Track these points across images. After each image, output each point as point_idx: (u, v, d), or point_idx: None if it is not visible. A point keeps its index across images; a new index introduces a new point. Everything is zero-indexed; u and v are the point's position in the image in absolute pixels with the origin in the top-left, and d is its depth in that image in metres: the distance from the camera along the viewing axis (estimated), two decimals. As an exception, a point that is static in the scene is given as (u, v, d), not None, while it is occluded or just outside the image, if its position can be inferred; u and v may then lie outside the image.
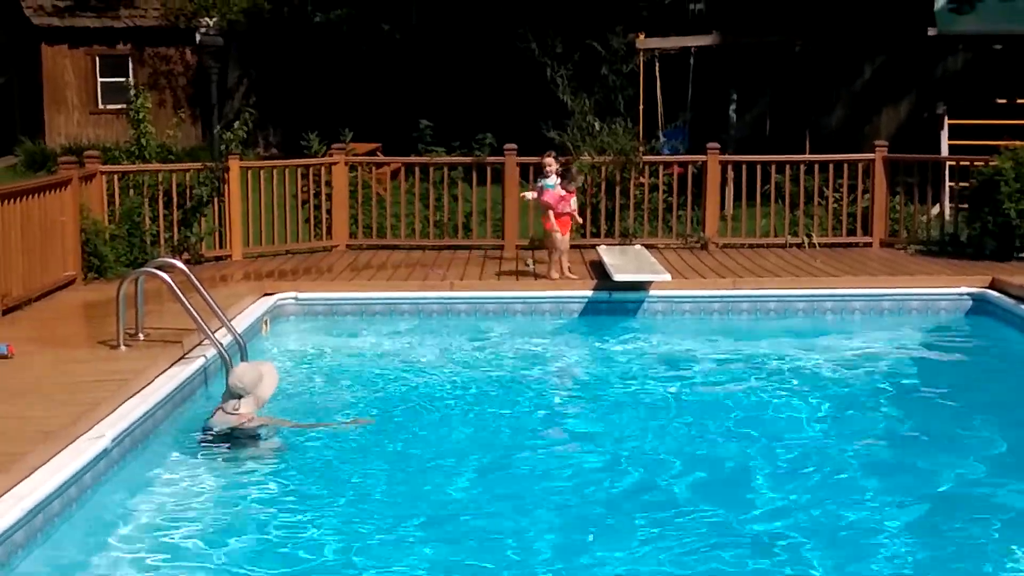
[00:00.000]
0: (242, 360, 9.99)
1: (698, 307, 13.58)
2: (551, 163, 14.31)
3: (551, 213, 14.02)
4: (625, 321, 13.38)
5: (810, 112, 24.80)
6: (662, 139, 20.87)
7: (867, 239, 16.40)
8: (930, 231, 16.30)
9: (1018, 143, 15.36)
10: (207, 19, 30.15)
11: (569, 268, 14.04)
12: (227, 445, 8.83)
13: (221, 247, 15.62)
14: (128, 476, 8.05)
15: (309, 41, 31.58)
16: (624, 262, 14.08)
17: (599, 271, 14.18)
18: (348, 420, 9.60)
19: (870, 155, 16.57)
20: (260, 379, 9.03)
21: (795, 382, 11.09)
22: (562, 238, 14.01)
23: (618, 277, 13.37)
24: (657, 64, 22.34)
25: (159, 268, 10.52)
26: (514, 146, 16.19)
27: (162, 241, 15.05)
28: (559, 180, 14.18)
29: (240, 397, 8.96)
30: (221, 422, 8.96)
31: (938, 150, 21.05)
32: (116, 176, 14.95)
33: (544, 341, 12.78)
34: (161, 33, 32.35)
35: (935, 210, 16.80)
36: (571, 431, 9.71)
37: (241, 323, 11.49)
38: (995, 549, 7.07)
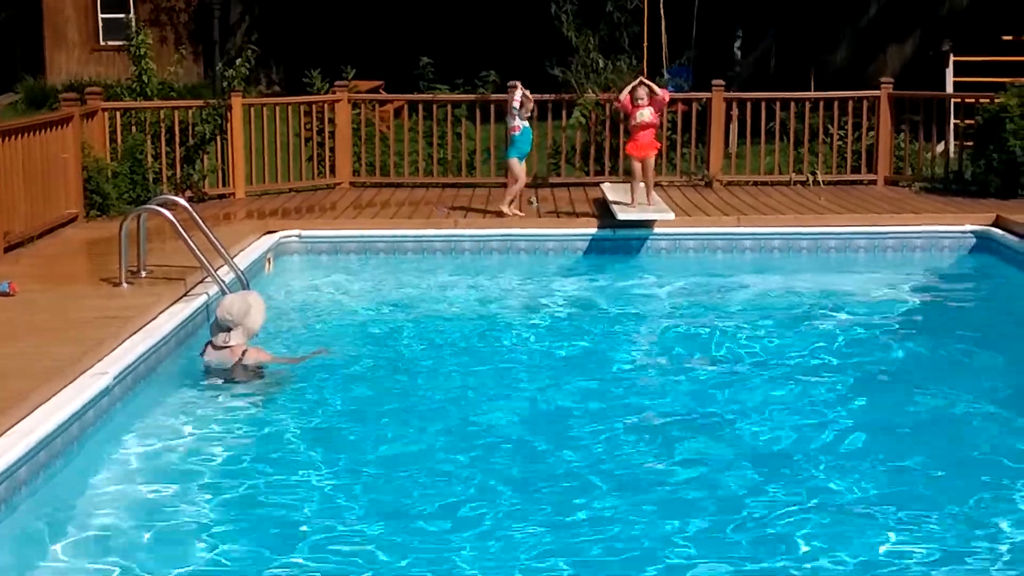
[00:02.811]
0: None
1: (702, 244, 13.56)
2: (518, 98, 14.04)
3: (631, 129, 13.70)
4: (629, 258, 13.37)
5: (815, 50, 24.63)
6: (667, 76, 20.71)
7: (872, 177, 16.35)
8: (935, 169, 16.23)
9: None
10: (209, -45, 29.93)
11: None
12: (225, 381, 8.85)
13: (224, 185, 15.59)
14: (130, 413, 8.07)
15: (311, -23, 31.32)
16: (629, 200, 14.03)
17: (603, 209, 14.14)
18: (311, 352, 9.55)
19: (875, 92, 16.47)
20: (248, 310, 9.00)
21: (797, 318, 11.09)
22: (638, 164, 13.51)
23: (622, 216, 13.34)
24: (662, 1, 22.14)
25: (161, 205, 10.51)
26: (517, 83, 16.07)
27: (164, 178, 15.02)
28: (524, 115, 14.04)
29: (229, 329, 8.96)
30: (215, 358, 8.97)
31: (943, 87, 20.89)
32: (118, 113, 14.90)
33: (548, 278, 12.77)
34: (162, -32, 32.07)
35: (940, 147, 16.71)
36: (576, 365, 9.69)
37: (244, 261, 11.49)
38: (991, 484, 7.08)
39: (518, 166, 14.07)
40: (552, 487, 7.13)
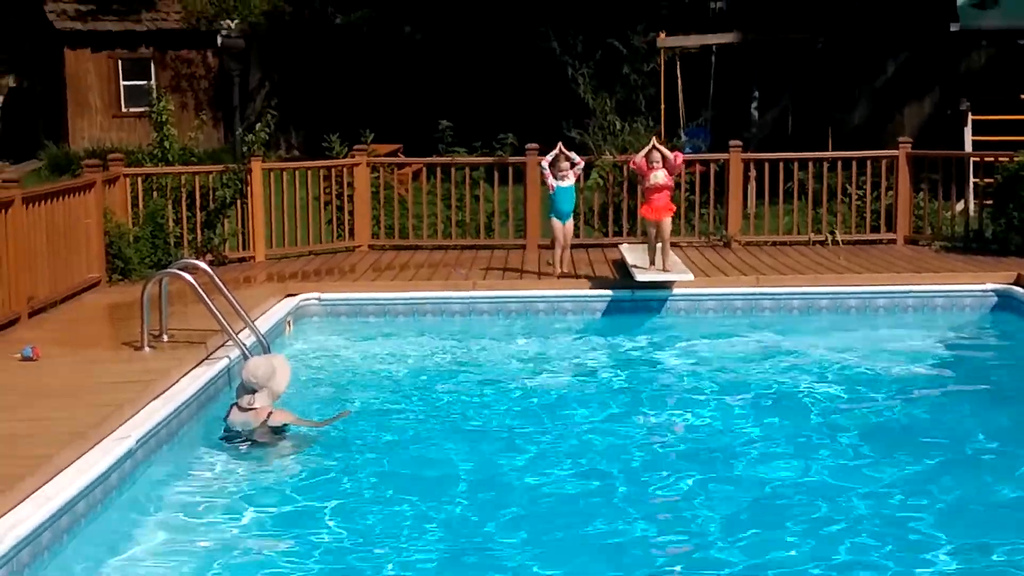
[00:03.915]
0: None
1: (721, 305, 13.54)
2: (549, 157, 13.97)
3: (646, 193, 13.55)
4: (649, 319, 13.34)
5: (833, 109, 24.71)
6: (684, 138, 20.82)
7: (891, 236, 16.34)
8: (954, 228, 16.23)
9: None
10: (228, 22, 30.27)
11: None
12: (249, 443, 8.86)
13: (244, 248, 15.65)
14: (153, 477, 8.07)
15: (330, 43, 31.62)
16: (647, 261, 14.03)
17: (622, 270, 14.15)
18: (336, 415, 9.55)
19: (894, 152, 16.51)
20: (273, 372, 9.02)
21: (818, 378, 11.04)
22: (654, 224, 13.42)
23: (641, 277, 13.34)
24: (678, 62, 22.29)
25: (183, 269, 10.54)
26: (536, 146, 16.17)
27: (185, 243, 15.09)
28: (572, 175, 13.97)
29: (254, 391, 8.97)
30: (240, 420, 8.98)
31: (962, 146, 20.94)
32: (139, 179, 14.99)
33: (568, 340, 12.77)
34: (183, 36, 32.42)
35: (959, 206, 16.73)
36: (595, 428, 9.67)
37: (264, 324, 11.52)
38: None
39: (555, 226, 13.97)
40: (575, 544, 7.11)
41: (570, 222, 14.12)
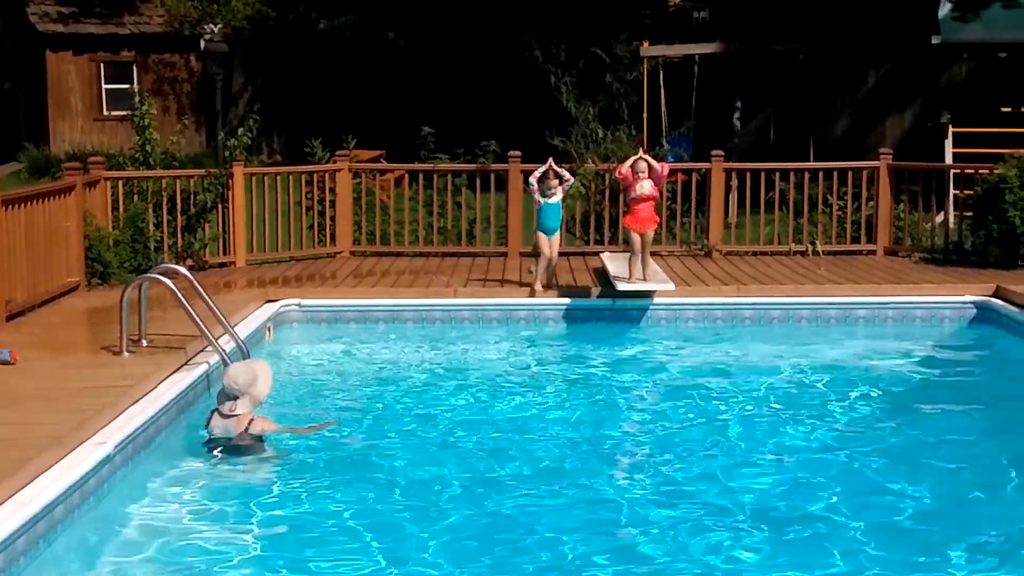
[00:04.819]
0: (245, 367, 9.95)
1: (702, 314, 13.55)
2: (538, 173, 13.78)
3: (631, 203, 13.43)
4: (629, 328, 13.35)
5: (814, 120, 24.77)
6: (666, 147, 20.86)
7: (871, 247, 16.40)
8: (934, 239, 16.28)
9: (1023, 151, 15.35)
10: (211, 26, 30.24)
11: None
12: (229, 450, 8.82)
13: (225, 253, 15.62)
14: (131, 482, 8.03)
15: (313, 48, 31.58)
16: (627, 270, 14.03)
17: (603, 278, 14.16)
18: (321, 423, 9.52)
19: (875, 163, 16.56)
20: (255, 379, 8.98)
21: (797, 390, 11.06)
22: (637, 237, 13.34)
23: (622, 287, 13.33)
24: (661, 72, 22.31)
25: (163, 274, 10.51)
26: (518, 153, 16.18)
27: (166, 247, 15.05)
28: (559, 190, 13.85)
29: (236, 398, 8.93)
30: (221, 427, 8.94)
31: (942, 158, 21.00)
32: (120, 182, 14.95)
33: (548, 348, 12.77)
34: (165, 39, 32.32)
35: (939, 218, 16.78)
36: (575, 437, 9.66)
37: (244, 330, 11.49)
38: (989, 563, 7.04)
39: (541, 239, 13.82)
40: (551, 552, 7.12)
41: (556, 236, 14.02)
